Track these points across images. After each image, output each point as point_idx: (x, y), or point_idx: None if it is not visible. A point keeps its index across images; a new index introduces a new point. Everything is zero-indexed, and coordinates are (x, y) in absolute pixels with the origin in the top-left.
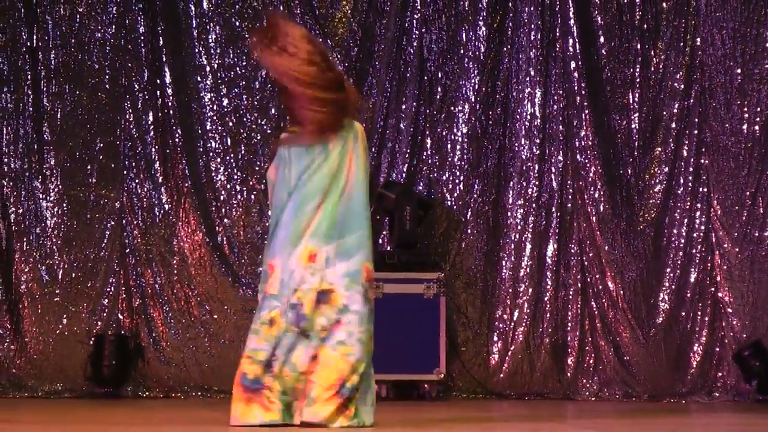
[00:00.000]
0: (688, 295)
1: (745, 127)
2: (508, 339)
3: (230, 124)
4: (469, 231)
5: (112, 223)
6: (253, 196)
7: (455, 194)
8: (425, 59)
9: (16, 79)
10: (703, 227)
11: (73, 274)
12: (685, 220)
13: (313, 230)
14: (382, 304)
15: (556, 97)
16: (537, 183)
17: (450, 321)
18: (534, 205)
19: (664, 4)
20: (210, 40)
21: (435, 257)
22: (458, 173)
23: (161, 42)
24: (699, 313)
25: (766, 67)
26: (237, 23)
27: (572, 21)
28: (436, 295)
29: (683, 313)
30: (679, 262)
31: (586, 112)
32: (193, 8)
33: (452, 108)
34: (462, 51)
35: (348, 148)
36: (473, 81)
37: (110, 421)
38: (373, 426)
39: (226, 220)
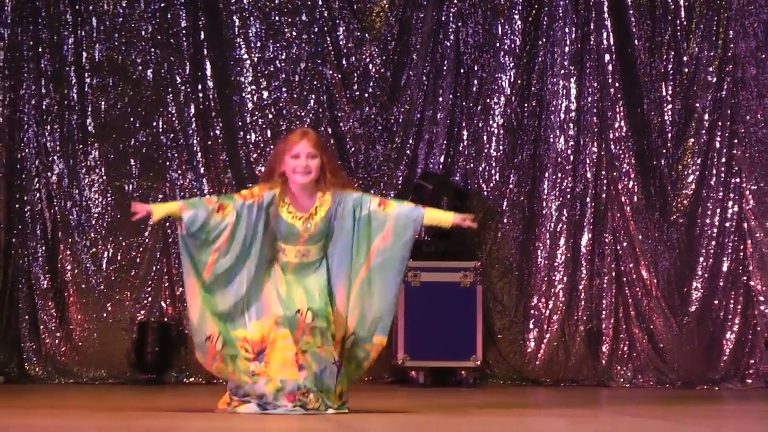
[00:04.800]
0: (721, 283)
1: None
2: (543, 327)
3: (270, 116)
4: (504, 221)
5: None
6: None
7: (491, 185)
8: (461, 52)
9: (60, 74)
10: (735, 217)
11: (117, 263)
12: (718, 210)
13: None
14: (419, 293)
15: (590, 90)
16: (572, 174)
17: (486, 309)
18: (569, 195)
19: None
20: (250, 34)
21: (471, 246)
22: (494, 164)
23: (202, 36)
24: (731, 301)
25: None
26: (277, 17)
27: (606, 14)
28: (473, 284)
29: (716, 302)
30: (711, 251)
31: (620, 104)
32: (233, 3)
33: (488, 100)
34: (498, 44)
35: None
36: (509, 74)
37: (153, 407)
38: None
39: None
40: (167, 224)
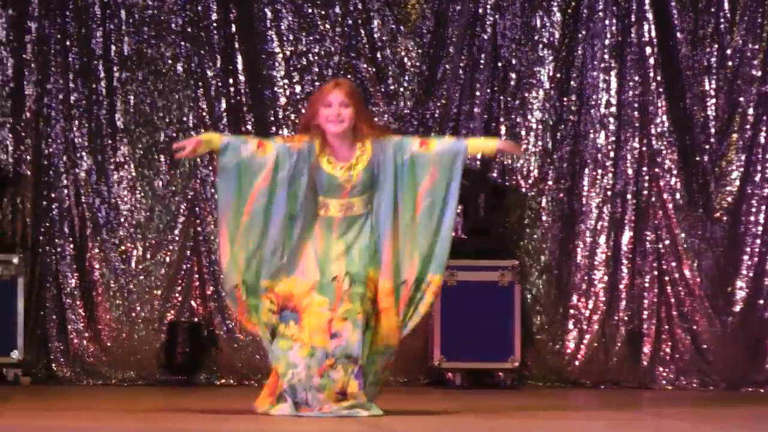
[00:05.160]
0: (766, 282)
1: None
2: (583, 327)
3: (302, 111)
4: (543, 218)
5: (185, 210)
6: None
7: (529, 181)
8: (499, 46)
9: (89, 68)
10: None
11: (146, 262)
12: (763, 207)
13: None
14: (456, 292)
15: (631, 84)
16: (612, 170)
17: (525, 309)
18: (609, 192)
19: None
20: (282, 27)
21: (509, 244)
22: (532, 160)
23: (234, 29)
24: None
25: None
26: (309, 10)
27: (648, 6)
28: (511, 283)
29: (761, 301)
30: (756, 249)
31: (662, 98)
32: None
33: (526, 95)
34: (536, 37)
35: None
36: (548, 67)
37: (184, 408)
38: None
39: None
40: (197, 221)
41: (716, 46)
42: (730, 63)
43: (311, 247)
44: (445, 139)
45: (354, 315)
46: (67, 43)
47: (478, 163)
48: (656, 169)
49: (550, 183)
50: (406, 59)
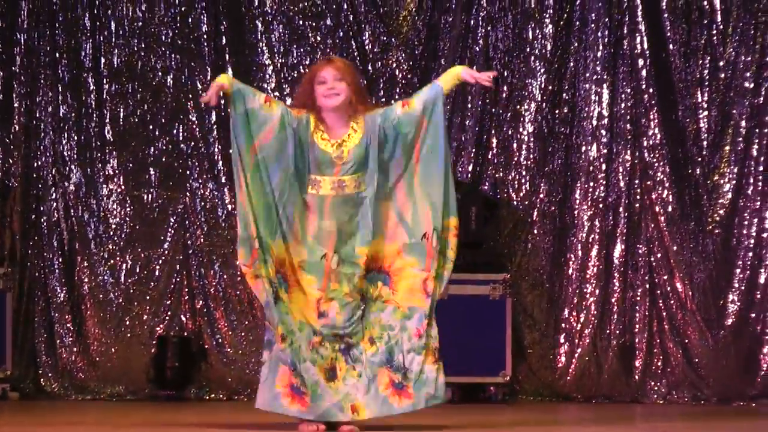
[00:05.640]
0: (758, 296)
1: None
2: (575, 341)
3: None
4: (535, 231)
5: (175, 223)
6: None
7: (521, 194)
8: (491, 58)
9: (78, 80)
10: None
11: (136, 276)
12: (755, 220)
13: None
14: (447, 306)
15: (623, 96)
16: (604, 183)
17: (516, 322)
18: (601, 205)
19: (734, 1)
20: (273, 39)
21: (501, 258)
22: (524, 173)
23: (224, 41)
24: None
25: None
26: (300, 22)
27: (640, 18)
28: (502, 297)
29: (753, 315)
30: (748, 262)
31: (655, 110)
32: (256, 7)
33: (518, 107)
34: (528, 49)
35: None
36: (539, 79)
37: (173, 423)
38: None
39: None
40: (187, 234)
41: (709, 58)
42: (722, 75)
43: (299, 223)
44: (421, 90)
45: (340, 295)
46: (57, 55)
47: (469, 175)
48: (648, 182)
49: (541, 196)
50: (397, 71)
